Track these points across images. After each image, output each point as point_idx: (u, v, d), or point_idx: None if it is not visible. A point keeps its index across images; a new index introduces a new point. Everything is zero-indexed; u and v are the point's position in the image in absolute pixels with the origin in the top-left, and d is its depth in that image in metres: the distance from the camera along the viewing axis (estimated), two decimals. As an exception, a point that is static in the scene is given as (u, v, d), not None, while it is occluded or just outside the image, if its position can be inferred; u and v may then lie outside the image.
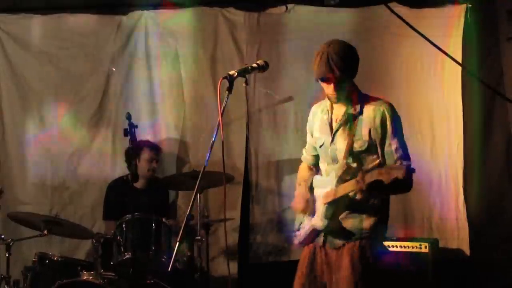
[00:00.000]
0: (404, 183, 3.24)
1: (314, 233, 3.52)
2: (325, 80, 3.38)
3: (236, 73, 3.10)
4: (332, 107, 3.53)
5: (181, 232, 2.99)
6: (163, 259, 4.54)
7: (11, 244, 4.52)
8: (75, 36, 5.68)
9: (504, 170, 5.33)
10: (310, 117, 3.70)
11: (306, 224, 3.57)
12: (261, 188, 5.63)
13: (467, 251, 5.24)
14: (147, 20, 5.68)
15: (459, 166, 5.30)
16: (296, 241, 3.64)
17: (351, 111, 3.45)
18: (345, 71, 3.35)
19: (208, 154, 3.03)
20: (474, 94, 5.28)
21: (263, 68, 3.25)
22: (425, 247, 4.78)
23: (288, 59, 5.56)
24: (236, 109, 5.51)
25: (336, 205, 3.40)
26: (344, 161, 3.41)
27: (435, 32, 5.07)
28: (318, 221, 3.46)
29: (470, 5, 5.25)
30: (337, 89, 3.39)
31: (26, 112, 5.67)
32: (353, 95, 3.47)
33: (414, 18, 5.15)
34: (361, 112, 3.44)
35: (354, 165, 3.39)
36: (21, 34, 5.66)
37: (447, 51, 5.02)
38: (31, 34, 5.66)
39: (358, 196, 3.31)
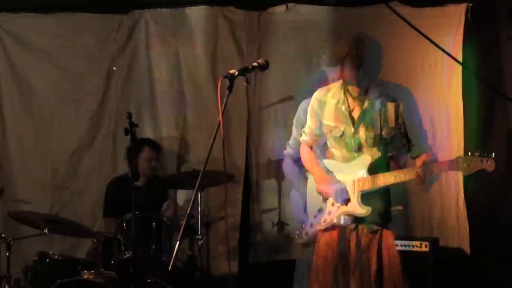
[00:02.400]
0: None
1: (345, 219, 3.59)
2: (350, 59, 3.49)
3: (237, 72, 3.10)
4: (346, 97, 3.57)
5: (181, 231, 2.99)
6: (164, 258, 4.55)
7: (11, 243, 4.52)
8: (76, 36, 5.68)
9: (504, 169, 5.33)
10: (314, 104, 3.75)
11: (330, 210, 3.62)
12: (261, 187, 5.63)
13: (467, 250, 5.24)
14: (147, 19, 5.68)
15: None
16: (319, 227, 3.69)
17: (373, 99, 3.55)
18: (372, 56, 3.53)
19: (209, 153, 3.03)
20: (475, 93, 5.28)
21: (263, 67, 3.26)
22: (426, 246, 4.78)
23: (289, 58, 5.56)
24: (236, 108, 5.50)
25: (375, 193, 3.55)
26: (375, 149, 3.55)
27: (436, 31, 5.06)
28: (357, 208, 3.55)
29: (471, 4, 5.25)
30: (360, 71, 3.51)
31: (27, 111, 5.67)
32: (372, 83, 3.60)
33: (415, 17, 5.11)
34: (383, 100, 3.56)
35: (379, 153, 3.55)
36: (21, 33, 5.66)
37: (448, 50, 5.01)
38: (32, 33, 5.66)
39: (418, 187, 3.50)
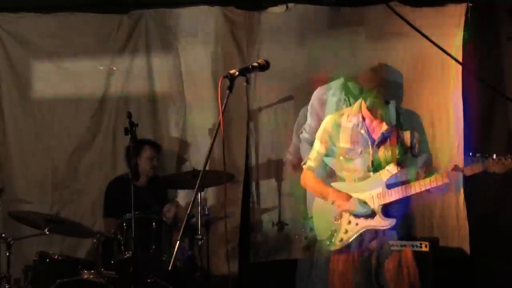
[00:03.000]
0: None
1: (361, 239, 3.66)
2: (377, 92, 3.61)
3: (237, 72, 3.10)
4: (364, 118, 3.60)
5: (181, 231, 2.99)
6: (164, 258, 4.55)
7: (11, 243, 4.51)
8: (76, 35, 5.67)
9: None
10: (327, 128, 3.77)
11: (347, 229, 3.66)
12: (261, 187, 5.64)
13: (467, 250, 5.25)
14: (147, 19, 5.68)
15: (459, 165, 5.29)
16: (334, 248, 3.72)
17: (390, 121, 3.64)
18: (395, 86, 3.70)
19: (209, 153, 3.03)
20: (475, 93, 5.28)
21: (263, 67, 3.25)
22: (426, 246, 4.78)
23: (289, 58, 5.56)
24: (236, 108, 5.50)
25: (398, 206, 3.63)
26: (394, 166, 3.60)
27: (436, 31, 5.07)
28: (379, 222, 3.61)
29: (470, 4, 5.26)
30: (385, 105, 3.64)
31: (27, 110, 5.67)
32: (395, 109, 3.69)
33: (415, 17, 5.14)
34: (399, 123, 3.66)
35: (397, 168, 3.62)
36: (21, 33, 5.65)
37: (448, 50, 5.02)
38: (32, 33, 5.65)
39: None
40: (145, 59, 5.68)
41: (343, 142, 3.71)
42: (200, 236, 4.79)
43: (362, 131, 3.66)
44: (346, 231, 3.66)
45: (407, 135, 3.67)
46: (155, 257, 4.57)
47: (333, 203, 3.71)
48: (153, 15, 5.68)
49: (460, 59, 5.17)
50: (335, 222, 3.70)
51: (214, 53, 5.64)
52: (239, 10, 5.65)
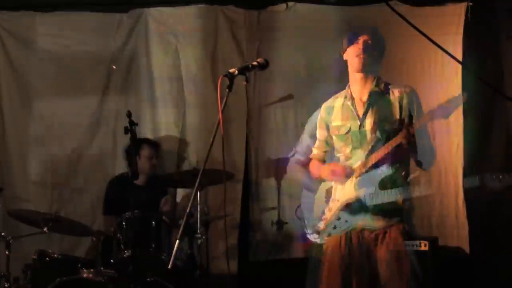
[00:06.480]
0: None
1: (345, 207, 3.57)
2: (356, 40, 3.61)
3: (237, 71, 3.11)
4: (351, 93, 3.61)
5: (181, 229, 2.99)
6: (163, 257, 4.55)
7: (11, 241, 4.52)
8: (76, 34, 5.68)
9: (503, 168, 5.33)
10: (322, 114, 3.76)
11: (331, 206, 3.63)
12: (261, 186, 5.64)
13: (466, 249, 5.25)
14: (147, 18, 5.68)
15: (459, 164, 5.31)
16: (322, 227, 3.66)
17: (377, 89, 3.58)
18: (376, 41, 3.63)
19: (208, 152, 3.03)
20: (474, 92, 5.27)
21: (263, 66, 3.26)
22: (425, 245, 4.78)
23: (288, 57, 5.57)
24: (236, 107, 5.49)
25: (370, 176, 3.50)
26: (374, 135, 3.52)
27: (436, 30, 5.06)
28: (352, 193, 3.53)
29: (470, 4, 5.26)
30: (366, 54, 3.56)
31: (27, 109, 5.67)
32: (377, 76, 3.62)
33: (415, 17, 5.10)
34: (387, 91, 3.59)
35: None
36: (22, 32, 5.66)
37: (447, 50, 5.02)
38: (32, 32, 5.65)
39: (405, 145, 3.41)
40: (144, 58, 5.69)
41: (334, 121, 3.68)
42: (199, 235, 4.79)
43: (349, 103, 3.62)
44: (330, 209, 3.66)
45: (395, 107, 3.57)
46: (154, 256, 4.57)
47: (330, 178, 3.68)
48: (153, 14, 5.68)
49: (460, 59, 5.17)
50: (326, 203, 3.71)
51: (213, 52, 5.65)
52: (239, 9, 5.66)
